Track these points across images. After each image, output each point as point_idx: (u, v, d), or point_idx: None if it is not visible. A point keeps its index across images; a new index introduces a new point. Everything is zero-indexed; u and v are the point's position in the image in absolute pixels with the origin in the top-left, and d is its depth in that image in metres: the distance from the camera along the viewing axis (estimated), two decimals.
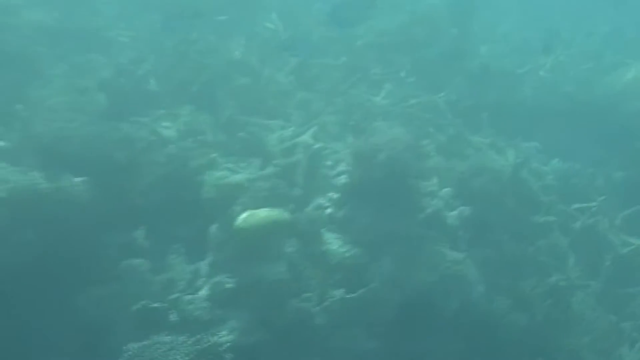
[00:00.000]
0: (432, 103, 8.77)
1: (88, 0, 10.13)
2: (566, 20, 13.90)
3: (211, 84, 8.84)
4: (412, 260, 6.96)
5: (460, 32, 10.45)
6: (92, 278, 7.27)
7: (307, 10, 11.28)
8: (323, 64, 9.48)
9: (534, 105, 10.50)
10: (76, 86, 8.52)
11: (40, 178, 7.24)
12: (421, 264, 6.98)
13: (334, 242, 6.99)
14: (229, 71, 8.98)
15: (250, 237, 6.84)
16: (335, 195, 7.20)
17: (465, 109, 9.13)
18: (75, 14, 9.72)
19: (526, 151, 9.16)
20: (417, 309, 6.91)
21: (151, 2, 10.56)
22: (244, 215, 6.82)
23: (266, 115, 8.45)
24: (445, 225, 7.22)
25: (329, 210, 7.10)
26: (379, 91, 9.23)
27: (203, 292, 7.00)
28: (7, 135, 7.70)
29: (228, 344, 6.58)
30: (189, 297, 6.96)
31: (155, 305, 6.91)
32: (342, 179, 7.27)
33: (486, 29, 11.40)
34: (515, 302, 7.55)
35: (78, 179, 7.38)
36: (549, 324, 7.75)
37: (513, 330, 7.47)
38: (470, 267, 7.10)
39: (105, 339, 6.96)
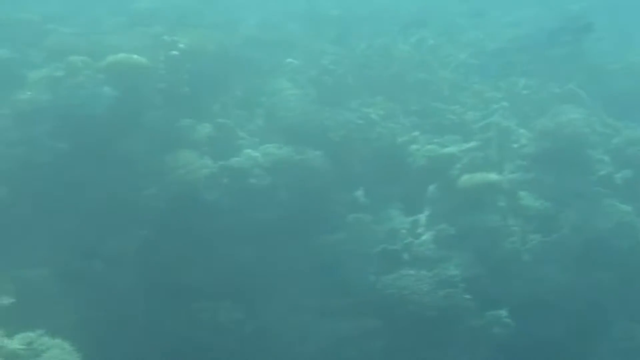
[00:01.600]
0: (571, 92, 9.22)
1: (280, 21, 10.80)
2: None
3: (394, 79, 9.41)
4: (591, 212, 7.65)
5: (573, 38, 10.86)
6: (326, 228, 7.93)
7: None
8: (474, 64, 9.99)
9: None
10: (293, 81, 9.12)
11: (292, 152, 7.98)
12: (598, 214, 7.66)
13: (529, 198, 7.67)
14: (407, 69, 9.48)
15: (468, 195, 7.48)
16: (525, 163, 7.84)
17: (591, 96, 9.55)
18: (273, 29, 10.38)
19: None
20: (597, 249, 7.50)
21: (327, 19, 11.20)
22: (464, 177, 7.43)
23: (446, 102, 8.99)
24: (613, 184, 7.80)
25: (523, 174, 7.65)
26: (518, 83, 9.67)
27: (426, 238, 7.63)
28: (256, 120, 8.35)
29: (458, 276, 7.13)
30: (417, 241, 7.47)
31: (393, 247, 7.49)
32: (529, 149, 7.94)
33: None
34: None
35: (317, 152, 8.01)
36: None
37: None
38: (635, 217, 7.56)
39: (355, 274, 7.52)
